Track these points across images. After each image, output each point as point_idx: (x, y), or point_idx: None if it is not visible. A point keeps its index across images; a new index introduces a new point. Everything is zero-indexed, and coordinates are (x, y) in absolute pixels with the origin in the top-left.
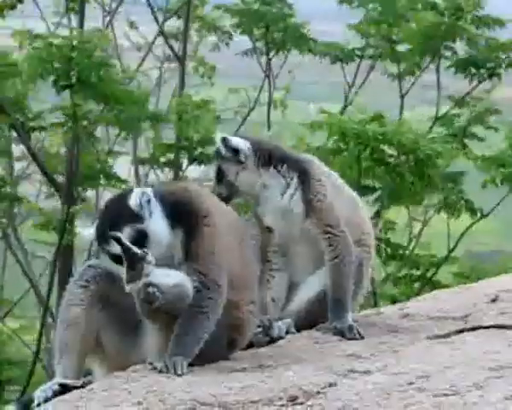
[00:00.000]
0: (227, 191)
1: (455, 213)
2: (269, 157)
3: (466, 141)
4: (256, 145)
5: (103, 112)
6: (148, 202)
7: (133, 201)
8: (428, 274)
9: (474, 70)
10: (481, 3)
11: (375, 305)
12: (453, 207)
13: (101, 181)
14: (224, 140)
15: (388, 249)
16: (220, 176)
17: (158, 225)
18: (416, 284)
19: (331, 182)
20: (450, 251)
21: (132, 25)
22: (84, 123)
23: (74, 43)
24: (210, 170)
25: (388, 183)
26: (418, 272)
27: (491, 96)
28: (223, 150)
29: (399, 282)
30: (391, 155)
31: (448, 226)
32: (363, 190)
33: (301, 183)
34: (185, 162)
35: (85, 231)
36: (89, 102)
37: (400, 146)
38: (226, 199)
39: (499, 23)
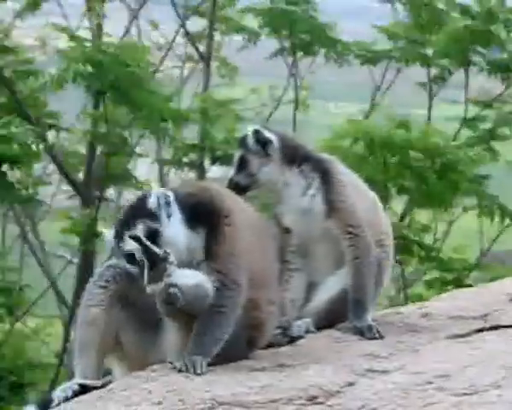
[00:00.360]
0: (246, 182)
1: (488, 216)
2: (294, 155)
3: (493, 143)
4: (283, 141)
5: (135, 118)
6: (168, 204)
7: (152, 200)
8: (460, 277)
9: (505, 74)
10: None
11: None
12: (487, 211)
13: (125, 183)
14: (256, 132)
15: (422, 252)
16: (242, 166)
17: (175, 228)
18: (449, 287)
19: (351, 182)
20: (480, 256)
21: (154, 24)
22: (117, 129)
23: (111, 50)
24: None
25: (416, 187)
26: (451, 276)
27: None
28: (251, 141)
29: (432, 284)
30: (417, 160)
31: (481, 232)
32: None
33: (323, 183)
34: (207, 163)
35: (108, 232)
36: (120, 108)
37: (426, 151)
38: (242, 189)
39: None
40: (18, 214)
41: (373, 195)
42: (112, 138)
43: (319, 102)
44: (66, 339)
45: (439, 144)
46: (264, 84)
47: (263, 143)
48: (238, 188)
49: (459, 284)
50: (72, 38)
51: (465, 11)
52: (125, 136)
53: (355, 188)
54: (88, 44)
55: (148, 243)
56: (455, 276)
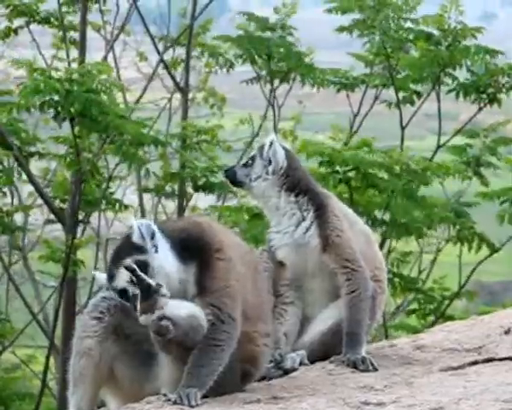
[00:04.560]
0: (242, 179)
1: (469, 247)
2: (294, 184)
3: (481, 169)
4: (290, 167)
5: (105, 144)
6: (152, 233)
7: (135, 233)
8: (442, 307)
9: (475, 95)
10: (477, 32)
11: (387, 336)
12: (467, 241)
13: (103, 206)
14: (271, 144)
15: (402, 283)
16: (248, 164)
17: (164, 256)
18: (430, 317)
19: (347, 217)
20: (462, 287)
21: (142, 56)
22: (88, 155)
23: (74, 76)
24: (220, 199)
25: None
26: (431, 306)
27: (504, 127)
28: (264, 151)
29: (412, 315)
30: (381, 178)
31: (460, 260)
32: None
33: (318, 217)
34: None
35: (99, 274)
36: (91, 134)
37: (389, 167)
38: (235, 180)
39: (494, 53)
40: (3, 244)
41: (367, 229)
42: (82, 164)
43: (308, 134)
44: (46, 369)
45: (399, 157)
46: (252, 115)
47: (272, 157)
48: (233, 178)
49: (440, 314)
50: (34, 70)
51: (429, 38)
52: (94, 162)
53: (350, 223)
54: (54, 75)
55: (142, 273)
56: (435, 306)
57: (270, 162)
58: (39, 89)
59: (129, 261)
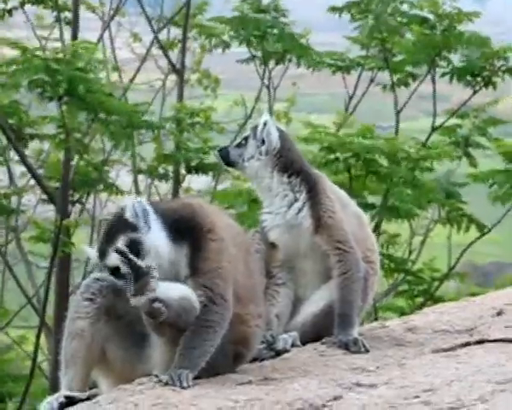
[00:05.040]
0: (235, 159)
1: (458, 227)
2: (287, 165)
3: (470, 150)
4: (284, 148)
5: (93, 123)
6: (145, 212)
7: (128, 211)
8: (431, 289)
9: (470, 78)
10: (473, 16)
11: (376, 317)
12: (456, 222)
13: (98, 188)
14: (265, 124)
15: (392, 264)
16: (242, 144)
17: (156, 236)
18: (419, 299)
19: (339, 199)
20: (451, 268)
21: (136, 36)
22: (77, 135)
23: (60, 55)
24: (213, 181)
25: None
26: (420, 287)
27: (495, 107)
28: (258, 131)
29: (402, 296)
30: (381, 166)
31: (449, 242)
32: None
33: (310, 198)
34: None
35: (90, 249)
36: (80, 114)
37: (391, 155)
38: (228, 160)
39: (487, 40)
40: None
41: (360, 211)
42: (71, 144)
43: (302, 115)
44: (36, 349)
45: (401, 145)
46: (248, 96)
47: (268, 139)
48: (226, 158)
49: (429, 295)
50: (24, 49)
51: (424, 22)
52: (83, 141)
53: (343, 204)
54: (40, 54)
55: (132, 256)
56: (424, 287)
57: (263, 143)
58: (25, 68)
59: (121, 240)
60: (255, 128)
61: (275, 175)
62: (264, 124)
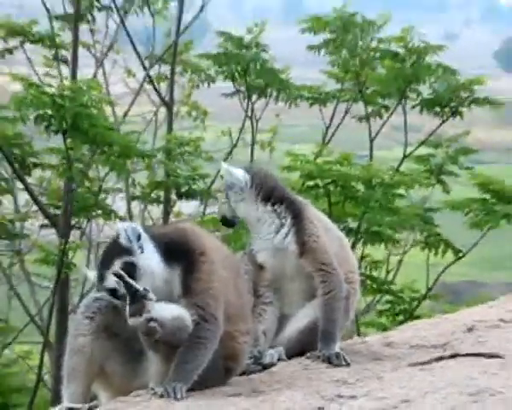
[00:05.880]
0: (230, 215)
1: (436, 252)
2: (268, 194)
3: (443, 177)
4: (258, 179)
5: (95, 155)
6: (139, 237)
7: (122, 236)
8: (410, 308)
9: (438, 109)
10: (439, 50)
11: (358, 333)
12: (434, 247)
13: (94, 213)
14: (227, 170)
15: (374, 285)
16: (227, 202)
17: (149, 259)
18: (400, 317)
19: (322, 223)
20: (429, 289)
21: (129, 72)
22: (80, 165)
23: (66, 92)
24: (202, 206)
25: (360, 220)
26: (402, 307)
27: (465, 138)
28: (227, 179)
29: (384, 314)
30: (358, 191)
31: (427, 264)
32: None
33: (295, 224)
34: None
35: (90, 271)
36: (82, 146)
37: (367, 182)
38: (229, 222)
39: (453, 71)
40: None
41: (341, 235)
42: (73, 174)
43: (285, 145)
44: (41, 364)
45: (375, 172)
46: (234, 127)
47: (234, 180)
48: (227, 221)
49: (409, 314)
50: (30, 85)
51: (395, 56)
52: (85, 171)
53: (326, 229)
54: (48, 90)
55: (129, 279)
56: (405, 307)
57: (234, 184)
58: (33, 103)
59: (117, 265)
60: (224, 179)
61: (259, 206)
62: (227, 169)
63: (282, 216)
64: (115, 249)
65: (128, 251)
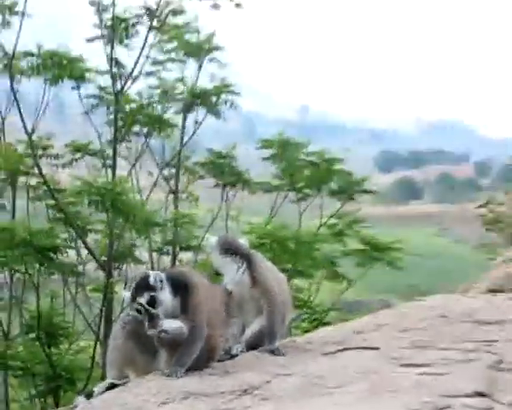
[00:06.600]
0: (215, 267)
1: (339, 282)
2: (230, 250)
3: (344, 237)
4: (224, 242)
5: (127, 223)
6: (161, 281)
7: (151, 279)
8: (322, 318)
9: (341, 196)
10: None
11: (290, 334)
12: (337, 279)
13: (128, 260)
14: (207, 239)
15: (299, 303)
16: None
17: (165, 294)
18: (315, 323)
19: (266, 266)
20: (329, 309)
21: (150, 173)
22: (117, 231)
23: (109, 187)
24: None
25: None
26: (316, 317)
27: (357, 212)
28: (208, 243)
29: (305, 321)
30: (291, 247)
31: (331, 290)
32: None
33: (248, 266)
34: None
35: (125, 293)
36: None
37: (299, 242)
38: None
39: (350, 174)
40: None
41: (280, 273)
42: (113, 236)
43: (247, 217)
44: (94, 355)
45: (302, 235)
46: (216, 207)
47: (209, 244)
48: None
49: (321, 321)
50: (85, 182)
51: (315, 164)
52: (121, 234)
53: (269, 269)
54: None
55: (148, 307)
56: (318, 316)
57: (210, 247)
58: (87, 193)
59: (146, 296)
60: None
61: (226, 259)
62: (207, 238)
63: (239, 262)
64: (145, 285)
65: (153, 288)
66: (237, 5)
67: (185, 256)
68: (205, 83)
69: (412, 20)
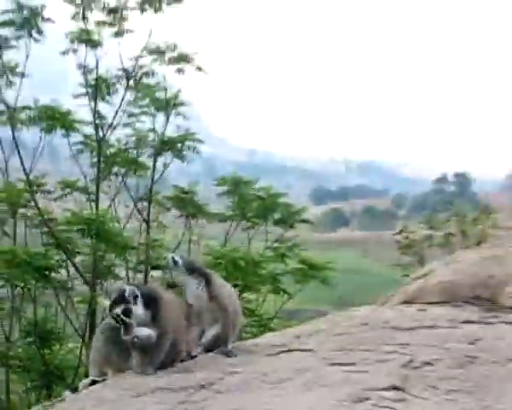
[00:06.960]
0: (170, 281)
1: (280, 295)
2: (192, 269)
3: (286, 258)
4: (186, 262)
5: (109, 247)
6: (135, 295)
7: (127, 293)
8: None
9: (282, 224)
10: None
11: (241, 339)
12: (279, 292)
13: (108, 277)
14: (172, 258)
15: (248, 313)
16: (171, 274)
17: (138, 307)
18: (262, 328)
19: (221, 283)
20: (273, 317)
21: (127, 206)
22: (100, 253)
23: (93, 217)
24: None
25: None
26: (262, 323)
27: (297, 237)
28: (171, 263)
29: (253, 327)
30: (241, 265)
31: (275, 301)
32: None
33: (206, 284)
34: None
35: (105, 302)
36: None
37: (245, 260)
38: (173, 285)
39: (290, 206)
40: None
41: (232, 288)
42: (96, 257)
43: (207, 242)
44: (80, 355)
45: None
46: (180, 233)
47: (175, 263)
48: (171, 285)
49: (266, 327)
50: (74, 213)
51: (261, 198)
52: (103, 255)
53: (223, 285)
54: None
55: (123, 316)
56: (264, 323)
57: (175, 266)
58: (75, 222)
59: (121, 307)
60: (169, 263)
61: (187, 277)
62: (172, 257)
63: (198, 280)
64: (121, 298)
65: (128, 301)
66: (198, 68)
67: (155, 274)
68: (172, 132)
69: (341, 71)
